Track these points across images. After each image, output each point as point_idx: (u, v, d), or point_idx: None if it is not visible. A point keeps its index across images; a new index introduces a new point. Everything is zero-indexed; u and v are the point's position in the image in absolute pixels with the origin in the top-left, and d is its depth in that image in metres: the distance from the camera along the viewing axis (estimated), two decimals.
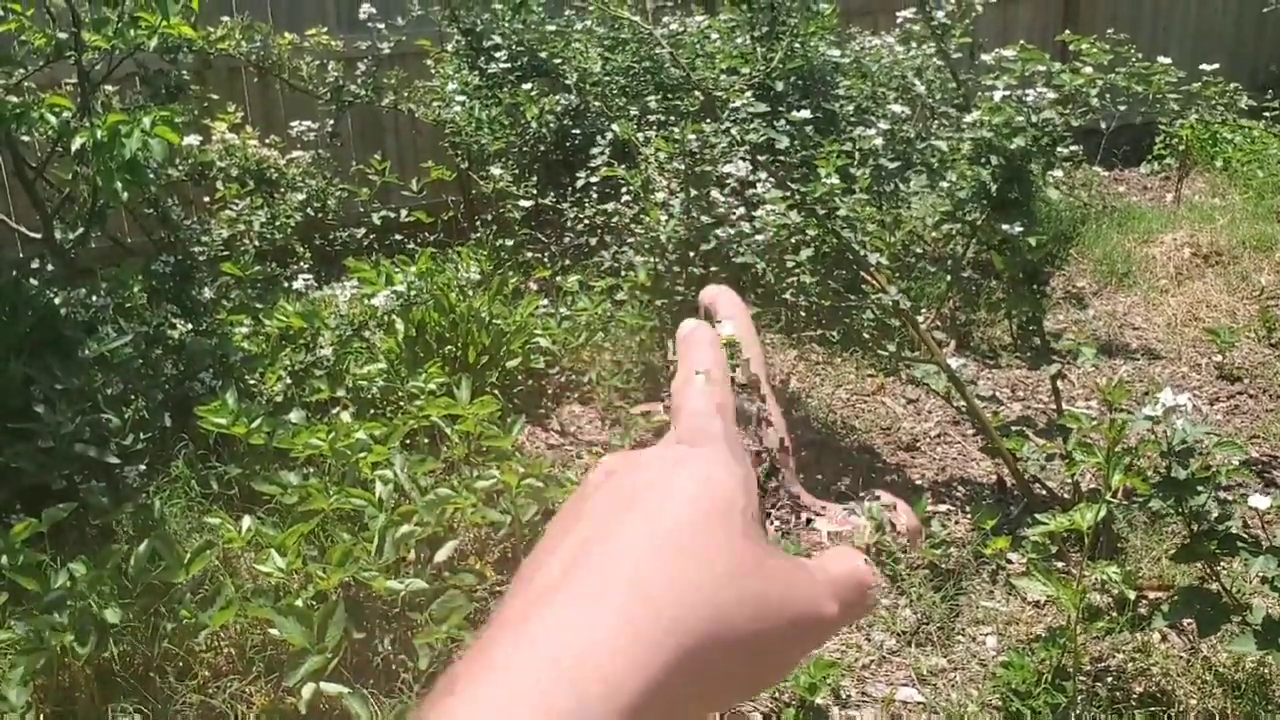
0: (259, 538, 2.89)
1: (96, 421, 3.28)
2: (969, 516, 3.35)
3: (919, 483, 3.62)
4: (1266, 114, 5.04)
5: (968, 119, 3.33)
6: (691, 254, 4.15)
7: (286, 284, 4.70)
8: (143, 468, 3.29)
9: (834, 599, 0.46)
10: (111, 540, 3.04)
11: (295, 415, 3.57)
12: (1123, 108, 3.43)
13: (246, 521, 2.94)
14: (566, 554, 0.42)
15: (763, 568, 0.43)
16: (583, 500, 0.46)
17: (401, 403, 3.74)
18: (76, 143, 3.25)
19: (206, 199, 5.11)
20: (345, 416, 3.61)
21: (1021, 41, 3.51)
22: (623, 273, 4.58)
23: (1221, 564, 2.83)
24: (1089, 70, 3.28)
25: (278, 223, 4.90)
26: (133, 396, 3.42)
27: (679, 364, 0.51)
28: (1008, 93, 3.27)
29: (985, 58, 3.60)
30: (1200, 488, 2.45)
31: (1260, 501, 2.40)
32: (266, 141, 5.10)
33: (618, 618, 0.38)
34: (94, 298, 3.71)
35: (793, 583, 0.44)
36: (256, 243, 4.82)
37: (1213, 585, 2.60)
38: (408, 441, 3.54)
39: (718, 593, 0.41)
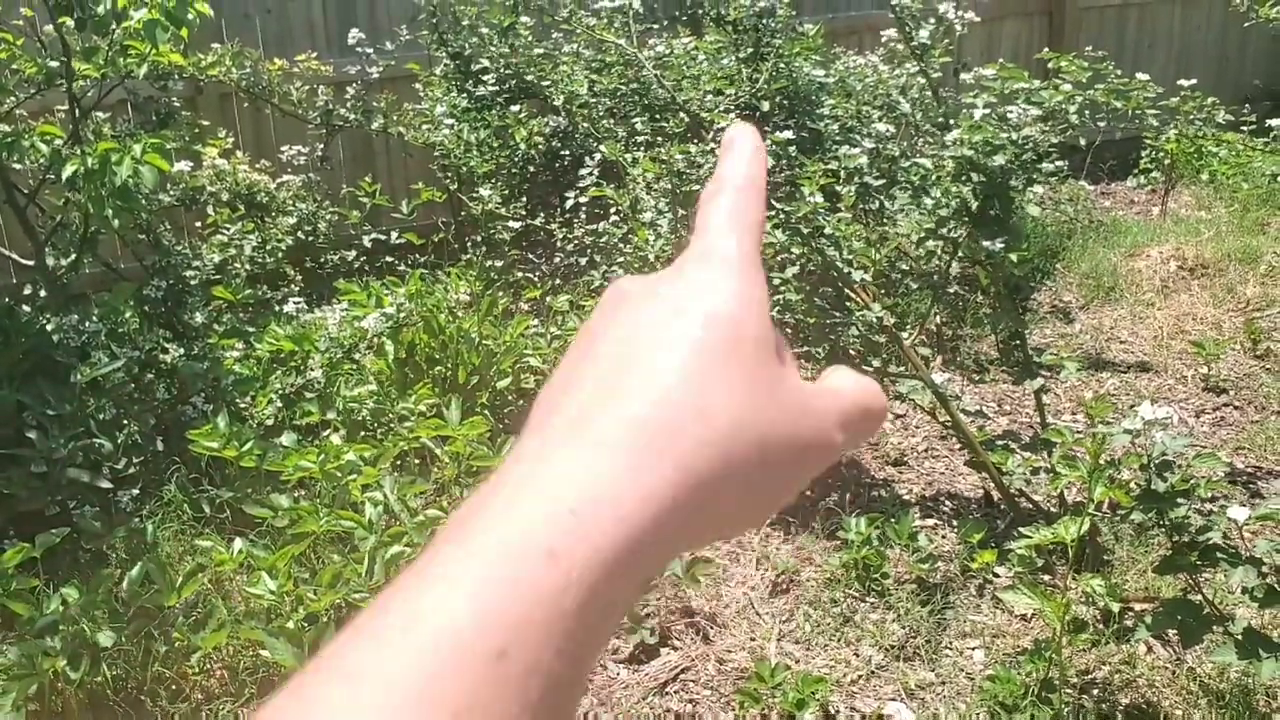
0: (250, 560, 2.92)
1: (89, 446, 3.31)
2: (956, 531, 3.37)
3: (906, 497, 3.64)
4: (1244, 127, 5.09)
5: (948, 137, 3.37)
6: None
7: (277, 307, 4.73)
8: (135, 492, 3.31)
9: (840, 427, 0.45)
10: (104, 564, 3.05)
11: (286, 438, 3.59)
12: (1103, 123, 3.47)
13: (238, 544, 2.96)
14: (574, 406, 0.42)
15: (774, 399, 0.43)
16: (594, 339, 0.45)
17: (392, 424, 3.76)
18: (68, 170, 3.28)
19: (198, 224, 5.15)
20: (336, 439, 3.63)
21: (1001, 60, 3.56)
22: None
23: (1205, 575, 2.86)
24: (1067, 87, 3.32)
25: (269, 247, 4.93)
26: (125, 421, 3.44)
27: (716, 169, 0.49)
28: (987, 111, 3.32)
29: (966, 76, 3.64)
30: (1180, 500, 2.48)
31: (1239, 513, 2.43)
32: (257, 166, 5.14)
33: (626, 459, 0.39)
34: (86, 323, 3.74)
35: (803, 411, 0.44)
36: (248, 267, 4.86)
37: (1196, 597, 2.63)
38: (398, 463, 3.57)
39: (727, 436, 0.41)
